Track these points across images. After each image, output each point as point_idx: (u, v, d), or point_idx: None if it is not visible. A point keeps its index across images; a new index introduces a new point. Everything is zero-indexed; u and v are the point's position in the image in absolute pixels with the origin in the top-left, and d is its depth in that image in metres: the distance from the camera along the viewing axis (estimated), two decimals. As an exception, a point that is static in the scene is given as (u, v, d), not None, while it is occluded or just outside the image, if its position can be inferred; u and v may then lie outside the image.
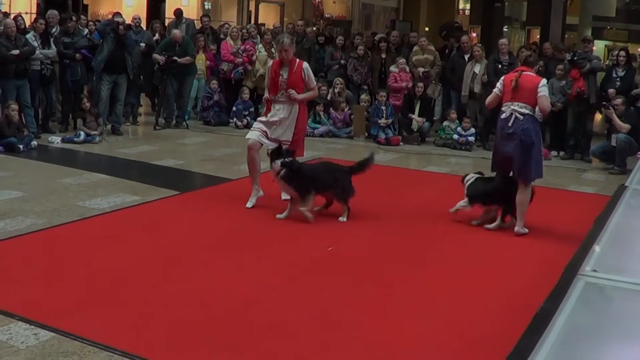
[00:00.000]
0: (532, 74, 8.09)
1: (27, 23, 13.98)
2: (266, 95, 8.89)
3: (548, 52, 14.26)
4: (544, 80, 7.98)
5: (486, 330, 5.41)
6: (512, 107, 7.83)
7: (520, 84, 7.81)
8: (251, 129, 8.89)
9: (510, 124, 7.79)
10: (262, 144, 8.57)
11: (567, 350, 3.01)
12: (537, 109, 7.85)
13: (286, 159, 8.18)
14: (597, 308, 3.53)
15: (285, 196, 8.59)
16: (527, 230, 7.93)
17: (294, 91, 8.47)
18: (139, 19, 15.24)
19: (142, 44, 14.36)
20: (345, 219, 8.25)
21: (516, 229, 7.96)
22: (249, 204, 8.65)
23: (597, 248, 4.20)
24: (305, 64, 8.78)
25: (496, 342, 5.08)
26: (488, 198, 8.32)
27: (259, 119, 8.96)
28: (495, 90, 8.15)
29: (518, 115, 7.76)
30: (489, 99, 8.40)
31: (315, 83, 9.09)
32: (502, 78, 8.18)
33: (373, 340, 5.15)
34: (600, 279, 3.69)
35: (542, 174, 8.12)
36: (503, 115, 7.92)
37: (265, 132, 8.55)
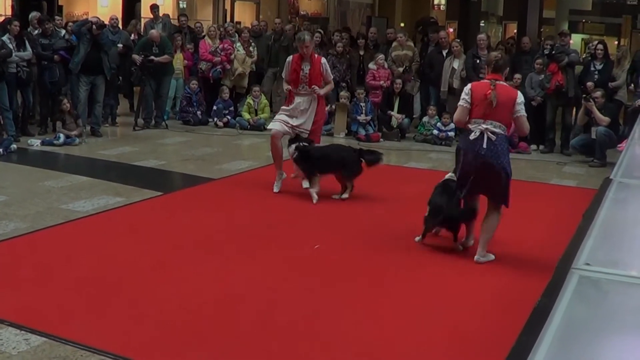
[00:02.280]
0: (505, 84, 6.88)
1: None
2: (287, 87, 9.56)
3: (527, 47, 14.31)
4: (520, 96, 6.85)
5: (481, 327, 5.43)
6: (483, 125, 6.66)
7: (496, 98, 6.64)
8: (273, 119, 9.80)
9: (482, 147, 6.65)
10: (283, 133, 9.37)
11: (567, 345, 3.01)
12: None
13: (300, 143, 9.06)
14: (593, 301, 3.54)
15: (306, 184, 9.18)
16: (492, 257, 6.94)
17: (317, 87, 9.28)
18: (116, 19, 15.13)
19: (120, 45, 14.30)
20: (347, 196, 9.05)
21: (476, 257, 6.89)
22: (275, 189, 9.44)
23: (588, 242, 4.21)
24: (324, 60, 9.63)
25: (493, 340, 5.11)
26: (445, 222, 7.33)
27: (282, 108, 9.65)
28: (463, 102, 6.83)
29: (490, 135, 6.63)
30: (458, 115, 6.95)
31: (332, 76, 9.99)
32: (469, 87, 6.90)
33: (369, 339, 5.17)
34: (594, 273, 3.69)
35: (508, 202, 6.97)
36: (472, 136, 6.69)
37: (287, 122, 9.33)
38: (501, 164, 6.66)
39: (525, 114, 6.84)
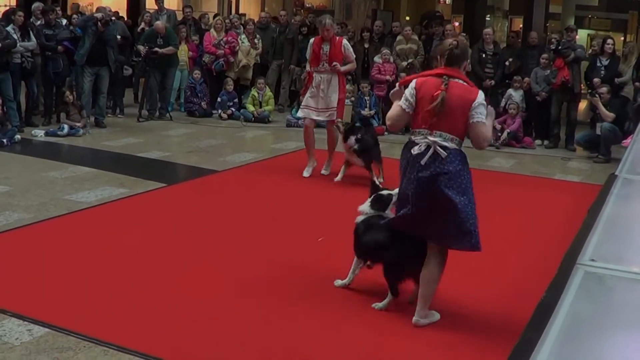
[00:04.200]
0: (462, 81, 5.12)
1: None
2: (308, 68, 10.07)
3: (534, 42, 14.28)
4: (480, 96, 5.08)
5: (485, 323, 5.41)
6: (430, 138, 5.03)
7: (446, 101, 4.99)
8: (301, 108, 10.08)
9: (423, 163, 5.03)
10: (314, 120, 9.89)
11: (571, 341, 3.01)
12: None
13: (358, 136, 9.44)
14: (598, 298, 3.53)
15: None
16: (436, 317, 5.39)
17: (337, 64, 9.66)
18: (110, 10, 14.95)
19: (118, 37, 14.26)
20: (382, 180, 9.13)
21: (415, 318, 5.30)
22: (305, 174, 9.88)
23: (593, 237, 4.20)
24: (345, 40, 10.10)
25: (497, 335, 5.09)
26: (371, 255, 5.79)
27: (308, 96, 9.88)
28: (403, 104, 5.17)
29: (439, 149, 5.00)
30: (393, 119, 5.31)
31: (354, 56, 10.23)
32: (415, 83, 5.17)
33: (375, 334, 5.16)
34: (599, 269, 3.69)
35: (478, 242, 5.16)
36: (415, 150, 5.05)
37: (315, 108, 9.78)
38: (451, 177, 5.01)
39: (485, 121, 5.08)
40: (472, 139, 5.15)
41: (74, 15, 14.81)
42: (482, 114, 5.05)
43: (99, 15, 13.01)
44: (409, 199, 5.15)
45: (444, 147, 4.99)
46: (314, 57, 9.82)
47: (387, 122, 5.44)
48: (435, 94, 4.99)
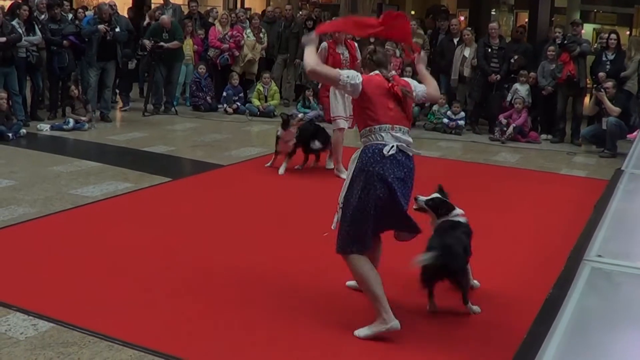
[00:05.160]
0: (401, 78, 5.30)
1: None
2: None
3: (542, 37, 14.33)
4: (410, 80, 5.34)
5: (492, 319, 5.36)
6: (394, 133, 4.97)
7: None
8: (335, 118, 9.54)
9: (403, 170, 4.95)
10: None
11: (578, 337, 2.99)
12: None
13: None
14: (605, 294, 3.53)
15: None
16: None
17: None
18: (115, 4, 14.93)
19: (125, 32, 14.25)
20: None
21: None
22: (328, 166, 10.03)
23: (600, 233, 4.19)
24: (355, 44, 10.01)
25: (504, 332, 5.06)
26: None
27: (336, 103, 9.48)
28: (345, 79, 4.98)
29: (408, 150, 5.00)
30: (325, 72, 5.26)
31: None
32: (360, 77, 5.03)
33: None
34: (606, 265, 3.67)
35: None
36: (388, 151, 4.88)
37: (345, 117, 9.45)
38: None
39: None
40: (429, 95, 5.39)
41: (79, 10, 14.80)
42: (419, 86, 5.28)
43: (101, 27, 12.90)
44: (373, 210, 4.91)
45: (407, 143, 5.00)
46: (334, 63, 9.19)
47: (313, 69, 5.10)
48: (389, 87, 4.98)
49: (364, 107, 5.02)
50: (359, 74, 5.05)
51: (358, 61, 8.88)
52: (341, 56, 9.53)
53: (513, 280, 6.15)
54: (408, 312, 5.32)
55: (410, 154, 5.00)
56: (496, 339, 4.99)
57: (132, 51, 14.71)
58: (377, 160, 4.89)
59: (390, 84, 4.99)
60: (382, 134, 4.96)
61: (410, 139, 5.04)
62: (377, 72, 5.13)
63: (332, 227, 5.21)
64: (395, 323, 4.90)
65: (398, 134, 4.96)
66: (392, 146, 4.90)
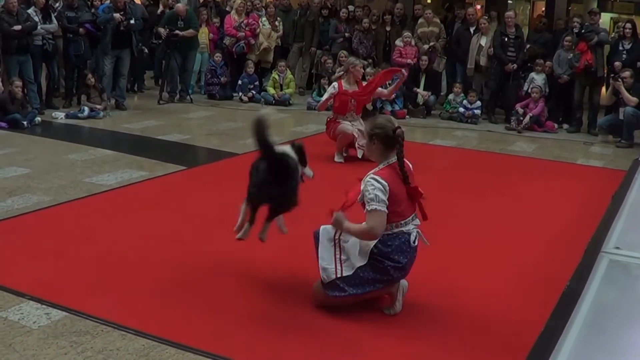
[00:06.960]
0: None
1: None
2: (330, 115, 10.18)
3: (561, 27, 14.29)
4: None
5: (509, 311, 5.30)
6: (413, 223, 5.13)
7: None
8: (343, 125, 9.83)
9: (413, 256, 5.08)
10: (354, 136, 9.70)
11: (596, 330, 2.95)
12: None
13: None
14: (623, 286, 3.48)
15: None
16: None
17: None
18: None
19: (140, 20, 14.24)
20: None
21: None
22: (337, 159, 9.83)
23: (618, 225, 4.14)
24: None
25: (521, 324, 4.99)
26: None
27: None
28: (381, 207, 4.84)
29: (423, 238, 5.20)
30: (380, 226, 4.85)
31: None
32: (385, 183, 4.87)
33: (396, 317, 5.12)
34: (623, 257, 3.63)
35: None
36: (414, 239, 5.06)
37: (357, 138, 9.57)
38: None
39: None
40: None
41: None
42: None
43: (117, 16, 12.91)
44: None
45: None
46: (340, 107, 9.93)
47: (373, 234, 4.88)
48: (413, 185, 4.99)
49: (391, 210, 4.88)
50: (383, 200, 4.82)
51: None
52: (349, 102, 9.84)
53: (529, 271, 6.09)
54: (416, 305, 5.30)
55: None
56: (513, 333, 4.93)
57: (146, 40, 14.71)
58: (404, 250, 4.97)
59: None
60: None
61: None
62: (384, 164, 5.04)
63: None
64: None
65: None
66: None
